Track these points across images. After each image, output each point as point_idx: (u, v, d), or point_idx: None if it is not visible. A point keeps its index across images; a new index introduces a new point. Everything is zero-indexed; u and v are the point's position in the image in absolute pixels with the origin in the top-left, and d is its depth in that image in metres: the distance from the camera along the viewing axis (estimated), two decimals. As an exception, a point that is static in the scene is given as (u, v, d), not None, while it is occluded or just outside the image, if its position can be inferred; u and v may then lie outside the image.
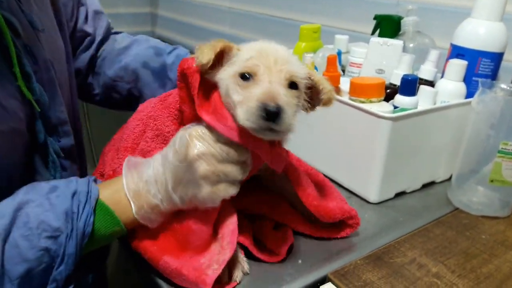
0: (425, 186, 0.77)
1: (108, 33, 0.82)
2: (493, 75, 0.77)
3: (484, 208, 0.69)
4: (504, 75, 0.82)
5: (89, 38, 0.77)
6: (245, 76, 0.46)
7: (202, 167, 0.47)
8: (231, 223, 0.52)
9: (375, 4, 1.13)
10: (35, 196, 0.45)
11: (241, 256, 0.54)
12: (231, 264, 0.53)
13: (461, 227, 0.65)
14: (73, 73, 0.69)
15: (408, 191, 0.75)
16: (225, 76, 0.48)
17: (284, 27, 1.47)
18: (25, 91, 0.50)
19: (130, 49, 0.78)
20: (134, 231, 0.52)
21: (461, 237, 0.63)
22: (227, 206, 0.53)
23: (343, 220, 0.60)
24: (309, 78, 0.49)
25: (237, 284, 0.52)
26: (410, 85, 0.68)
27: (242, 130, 0.46)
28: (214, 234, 0.52)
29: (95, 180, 0.51)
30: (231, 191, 0.49)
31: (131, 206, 0.49)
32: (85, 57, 0.78)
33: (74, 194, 0.46)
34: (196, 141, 0.48)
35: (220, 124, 0.47)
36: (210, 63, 0.46)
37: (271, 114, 0.42)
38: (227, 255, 0.50)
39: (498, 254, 0.59)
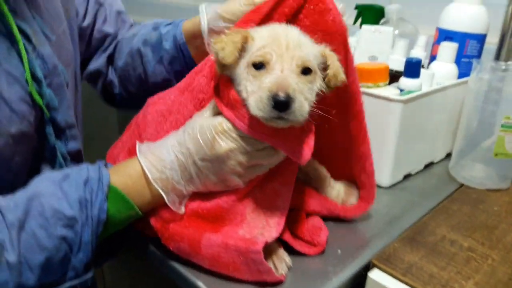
0: (426, 166, 0.79)
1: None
2: (479, 56, 0.81)
3: (487, 182, 0.72)
4: (484, 55, 0.87)
5: (110, 37, 0.75)
6: (258, 66, 0.45)
7: (231, 163, 0.48)
8: (283, 205, 0.51)
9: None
10: (48, 185, 0.45)
11: (282, 251, 0.52)
12: (275, 258, 0.50)
13: (473, 201, 0.68)
14: (79, 77, 0.68)
15: (413, 172, 0.76)
16: (239, 68, 0.47)
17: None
18: (36, 96, 0.51)
19: (137, 35, 0.73)
20: (164, 226, 0.51)
21: (476, 211, 0.65)
22: (285, 190, 0.51)
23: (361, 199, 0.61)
24: (323, 56, 0.48)
25: (284, 278, 0.49)
26: (414, 68, 0.69)
27: (260, 127, 0.45)
28: (256, 207, 0.51)
29: (105, 165, 0.51)
30: (258, 173, 0.50)
31: (147, 190, 0.49)
32: (104, 56, 0.75)
33: (86, 181, 0.46)
34: (223, 136, 0.47)
35: (241, 123, 0.47)
36: (235, 61, 0.46)
37: (281, 104, 0.42)
38: (273, 233, 0.49)
39: (514, 223, 0.62)
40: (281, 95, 0.41)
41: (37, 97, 0.51)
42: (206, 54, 0.61)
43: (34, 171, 0.55)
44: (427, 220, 0.62)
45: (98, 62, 0.75)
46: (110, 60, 0.76)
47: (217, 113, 0.49)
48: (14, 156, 0.51)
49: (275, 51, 0.44)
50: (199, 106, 0.53)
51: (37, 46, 0.52)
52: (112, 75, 0.77)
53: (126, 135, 0.60)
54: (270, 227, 0.49)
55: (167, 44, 0.68)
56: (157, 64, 0.70)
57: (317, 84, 0.47)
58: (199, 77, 0.53)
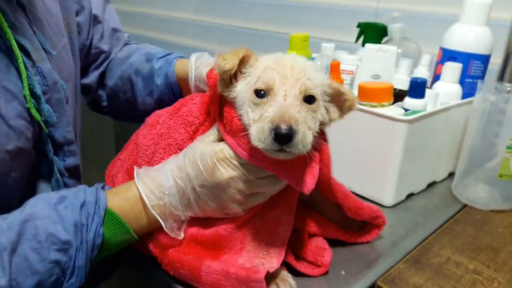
0: (428, 186, 0.79)
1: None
2: (483, 76, 0.81)
3: (490, 203, 0.72)
4: (486, 75, 0.87)
5: (104, 55, 0.76)
6: (260, 93, 0.44)
7: (231, 191, 0.47)
8: (284, 234, 0.50)
9: (351, 14, 1.16)
10: (44, 207, 0.44)
11: (286, 273, 0.51)
12: (279, 281, 0.49)
13: (476, 222, 0.67)
14: (79, 92, 0.68)
15: (415, 192, 0.76)
16: (241, 91, 0.46)
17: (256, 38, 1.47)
18: (34, 113, 0.50)
19: (129, 58, 0.74)
20: (164, 252, 0.50)
21: (481, 233, 0.64)
22: (286, 219, 0.50)
23: (369, 223, 0.60)
24: (329, 86, 0.48)
25: (289, 303, 0.49)
26: (419, 88, 0.69)
27: (262, 156, 0.44)
28: (257, 235, 0.50)
29: (103, 187, 0.50)
30: (258, 201, 0.49)
31: (144, 215, 0.48)
32: (96, 73, 0.76)
33: (82, 205, 0.45)
34: (223, 164, 0.47)
35: (243, 151, 0.46)
36: (234, 69, 0.45)
37: (283, 137, 0.40)
38: (274, 264, 0.48)
39: (519, 245, 0.62)
40: (283, 127, 0.40)
41: (35, 114, 0.50)
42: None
43: (30, 187, 0.54)
44: (431, 241, 0.61)
45: (90, 78, 0.76)
46: (102, 77, 0.77)
47: (221, 138, 0.49)
48: (10, 172, 0.50)
49: (279, 71, 0.44)
50: (191, 129, 0.52)
51: (36, 62, 0.52)
52: (101, 91, 0.78)
53: (125, 154, 0.59)
54: (271, 257, 0.48)
55: (159, 80, 0.69)
56: (147, 96, 0.71)
57: (321, 113, 0.47)
58: (190, 104, 0.53)
